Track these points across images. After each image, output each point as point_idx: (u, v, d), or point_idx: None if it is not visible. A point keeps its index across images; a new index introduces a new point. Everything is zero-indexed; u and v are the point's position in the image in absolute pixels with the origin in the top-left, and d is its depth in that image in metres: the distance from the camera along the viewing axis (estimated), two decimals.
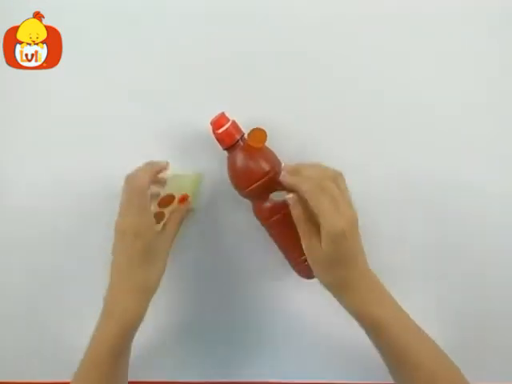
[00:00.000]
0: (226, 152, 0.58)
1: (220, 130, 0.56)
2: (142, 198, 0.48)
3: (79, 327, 0.53)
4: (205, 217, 0.64)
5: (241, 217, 0.62)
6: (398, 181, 0.63)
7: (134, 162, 0.56)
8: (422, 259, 0.64)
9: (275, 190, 0.56)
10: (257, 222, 0.59)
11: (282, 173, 0.52)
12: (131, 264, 0.47)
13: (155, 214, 0.54)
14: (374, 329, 0.46)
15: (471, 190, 0.63)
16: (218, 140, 0.57)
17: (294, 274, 0.59)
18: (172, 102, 0.63)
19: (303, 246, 0.49)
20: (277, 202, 0.56)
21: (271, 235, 0.59)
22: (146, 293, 0.49)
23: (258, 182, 0.55)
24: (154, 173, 0.52)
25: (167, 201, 0.58)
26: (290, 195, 0.50)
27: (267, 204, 0.56)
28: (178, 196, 0.59)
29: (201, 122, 0.59)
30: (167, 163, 0.55)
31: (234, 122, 0.56)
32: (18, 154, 0.64)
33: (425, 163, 0.63)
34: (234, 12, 0.62)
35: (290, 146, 0.61)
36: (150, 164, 0.53)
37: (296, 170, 0.51)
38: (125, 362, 0.52)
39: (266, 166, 0.55)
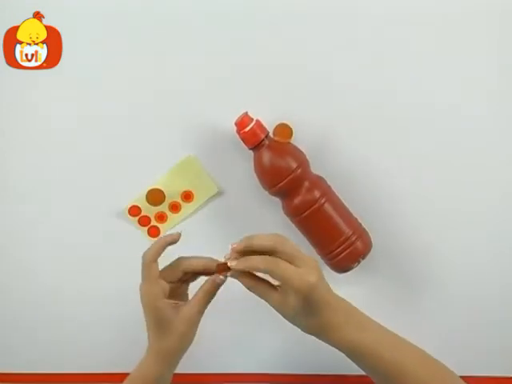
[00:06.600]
0: (251, 152, 0.58)
1: (244, 130, 0.56)
2: (147, 270, 0.49)
3: None
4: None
5: (268, 217, 0.63)
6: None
7: (136, 162, 0.58)
8: None
9: (303, 185, 0.56)
10: (284, 222, 0.60)
11: (232, 262, 0.47)
12: (148, 330, 0.50)
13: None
14: (363, 355, 0.47)
15: None
16: (243, 140, 0.57)
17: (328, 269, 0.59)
18: (172, 102, 0.63)
19: (272, 306, 0.47)
20: (306, 198, 0.56)
21: (303, 232, 0.59)
22: (167, 357, 0.50)
23: (287, 179, 0.55)
24: (163, 244, 0.50)
25: (156, 197, 0.61)
26: (233, 263, 0.47)
27: (296, 200, 0.56)
28: (180, 191, 0.59)
29: (223, 123, 0.60)
30: (178, 234, 0.50)
31: (258, 121, 0.57)
32: (17, 153, 0.64)
33: None
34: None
35: (314, 144, 0.61)
36: (160, 238, 0.52)
37: (244, 252, 0.48)
38: None
39: (293, 163, 0.55)
